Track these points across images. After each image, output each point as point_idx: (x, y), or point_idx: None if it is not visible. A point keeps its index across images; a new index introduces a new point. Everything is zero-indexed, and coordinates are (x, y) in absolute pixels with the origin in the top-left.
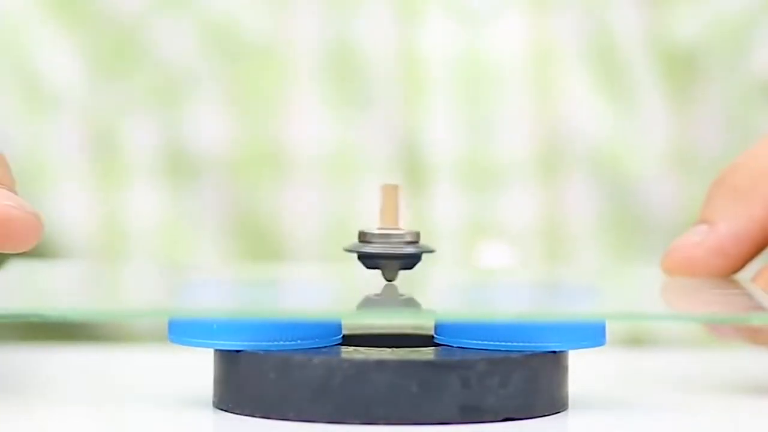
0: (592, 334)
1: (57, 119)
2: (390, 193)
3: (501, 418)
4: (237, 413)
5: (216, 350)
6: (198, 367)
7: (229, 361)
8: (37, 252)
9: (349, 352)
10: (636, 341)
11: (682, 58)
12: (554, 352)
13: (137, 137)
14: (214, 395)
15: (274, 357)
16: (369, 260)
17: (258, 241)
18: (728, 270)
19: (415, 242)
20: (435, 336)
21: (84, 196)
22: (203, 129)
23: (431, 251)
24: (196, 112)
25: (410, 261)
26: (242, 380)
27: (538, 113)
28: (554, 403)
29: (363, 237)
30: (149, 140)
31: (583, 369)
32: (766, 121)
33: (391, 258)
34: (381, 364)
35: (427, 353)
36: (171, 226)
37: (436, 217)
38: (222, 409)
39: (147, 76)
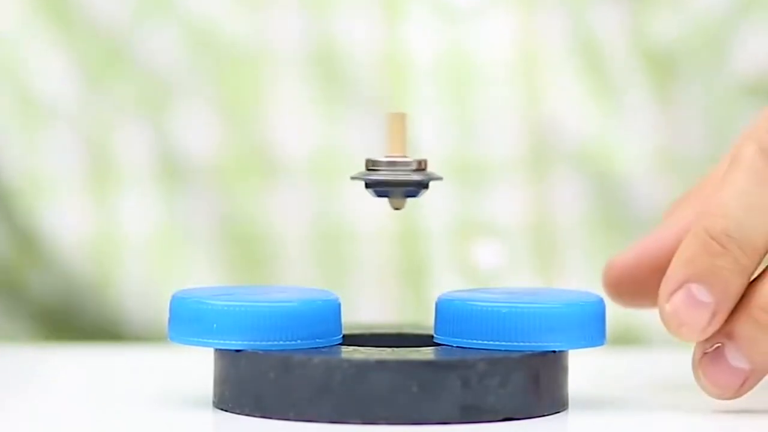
0: (592, 334)
1: (50, 129)
2: (396, 121)
3: (501, 418)
4: (237, 413)
5: (216, 350)
6: (198, 367)
7: (229, 361)
8: (31, 259)
9: (349, 352)
10: (636, 341)
11: (663, 59)
12: (554, 351)
13: (129, 145)
14: (214, 395)
15: (274, 357)
16: (376, 187)
17: (249, 244)
18: None
19: (422, 170)
20: (435, 336)
21: (77, 204)
22: (192, 134)
23: (439, 179)
24: (185, 118)
25: (416, 188)
26: (242, 380)
27: (524, 111)
28: (554, 403)
29: (370, 165)
30: (140, 148)
31: (583, 369)
32: (746, 121)
33: (398, 185)
34: (381, 364)
35: (427, 353)
36: (164, 233)
37: (425, 215)
38: (222, 409)
39: (135, 83)
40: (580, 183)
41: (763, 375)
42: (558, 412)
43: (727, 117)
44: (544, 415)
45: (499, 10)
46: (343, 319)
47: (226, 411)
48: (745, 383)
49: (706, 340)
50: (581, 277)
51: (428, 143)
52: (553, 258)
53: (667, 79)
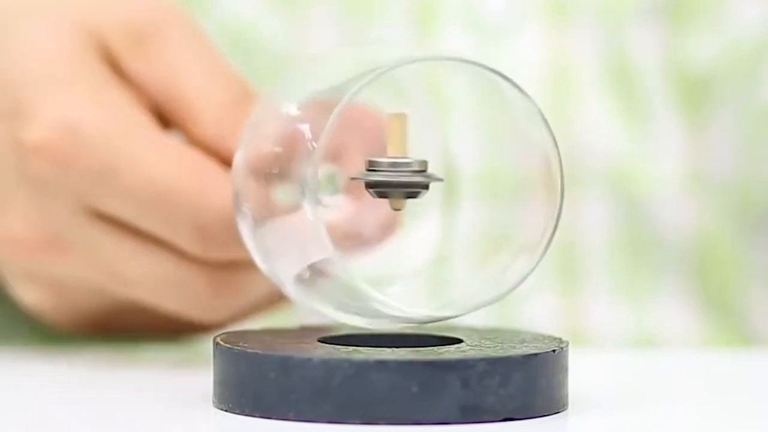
0: None
1: None
2: (398, 122)
3: (501, 418)
4: (237, 413)
5: (216, 350)
6: (198, 367)
7: (229, 361)
8: None
9: (349, 352)
10: (636, 342)
11: (696, 82)
12: (554, 351)
13: None
14: (214, 395)
15: (274, 357)
16: (376, 188)
17: None
18: None
19: (422, 171)
20: None
21: None
22: None
23: (440, 180)
24: None
25: (416, 189)
26: (242, 380)
27: (553, 130)
28: (554, 403)
29: (371, 165)
30: None
31: (583, 369)
32: None
33: (398, 186)
34: (381, 364)
35: (427, 353)
36: None
37: (450, 230)
38: (222, 409)
39: None
40: (607, 204)
41: None
42: (558, 412)
43: (757, 142)
44: (544, 415)
45: (531, 28)
46: None
47: (226, 411)
48: None
49: None
50: (605, 299)
51: (458, 159)
52: (577, 279)
53: (699, 103)
